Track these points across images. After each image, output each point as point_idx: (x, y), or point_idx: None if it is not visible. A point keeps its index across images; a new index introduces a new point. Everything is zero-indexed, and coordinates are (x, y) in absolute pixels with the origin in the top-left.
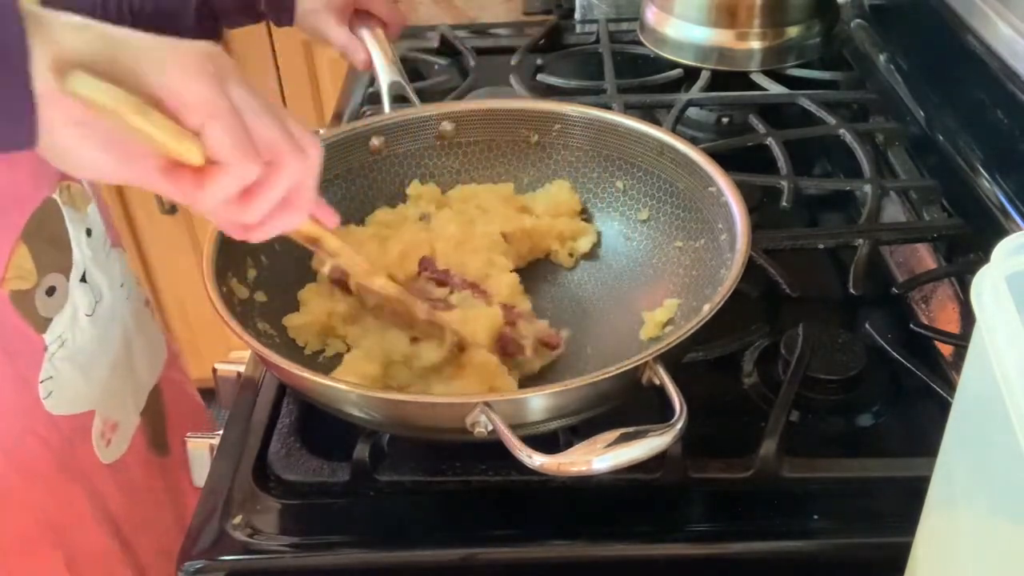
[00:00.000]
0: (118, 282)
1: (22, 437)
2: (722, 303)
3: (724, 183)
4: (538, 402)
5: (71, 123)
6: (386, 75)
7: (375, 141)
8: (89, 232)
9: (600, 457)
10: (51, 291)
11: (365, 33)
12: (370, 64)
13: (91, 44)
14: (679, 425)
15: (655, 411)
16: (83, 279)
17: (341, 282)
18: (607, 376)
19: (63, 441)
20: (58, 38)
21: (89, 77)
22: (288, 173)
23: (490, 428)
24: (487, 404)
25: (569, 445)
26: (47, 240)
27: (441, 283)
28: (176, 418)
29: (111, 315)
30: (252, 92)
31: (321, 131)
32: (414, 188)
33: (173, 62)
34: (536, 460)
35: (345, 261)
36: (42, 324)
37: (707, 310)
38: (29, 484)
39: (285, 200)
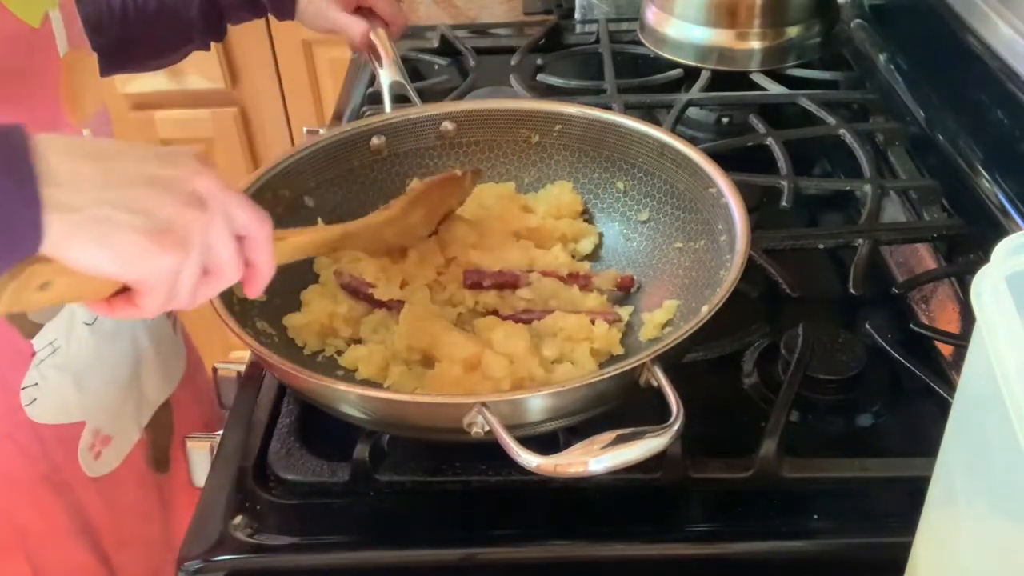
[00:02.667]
0: None
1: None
2: (720, 305)
3: (724, 184)
4: (535, 403)
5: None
6: (387, 75)
7: (376, 141)
8: None
9: (597, 458)
10: None
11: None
12: (367, 42)
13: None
14: (676, 426)
15: (656, 411)
16: None
17: (351, 288)
18: (604, 377)
19: (44, 450)
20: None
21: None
22: (225, 274)
23: (487, 429)
24: (484, 404)
25: (568, 446)
26: None
27: (506, 286)
28: (184, 433)
29: (117, 327)
30: (231, 205)
31: (321, 131)
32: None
33: (144, 254)
34: (533, 461)
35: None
36: (31, 329)
37: (705, 311)
38: (5, 490)
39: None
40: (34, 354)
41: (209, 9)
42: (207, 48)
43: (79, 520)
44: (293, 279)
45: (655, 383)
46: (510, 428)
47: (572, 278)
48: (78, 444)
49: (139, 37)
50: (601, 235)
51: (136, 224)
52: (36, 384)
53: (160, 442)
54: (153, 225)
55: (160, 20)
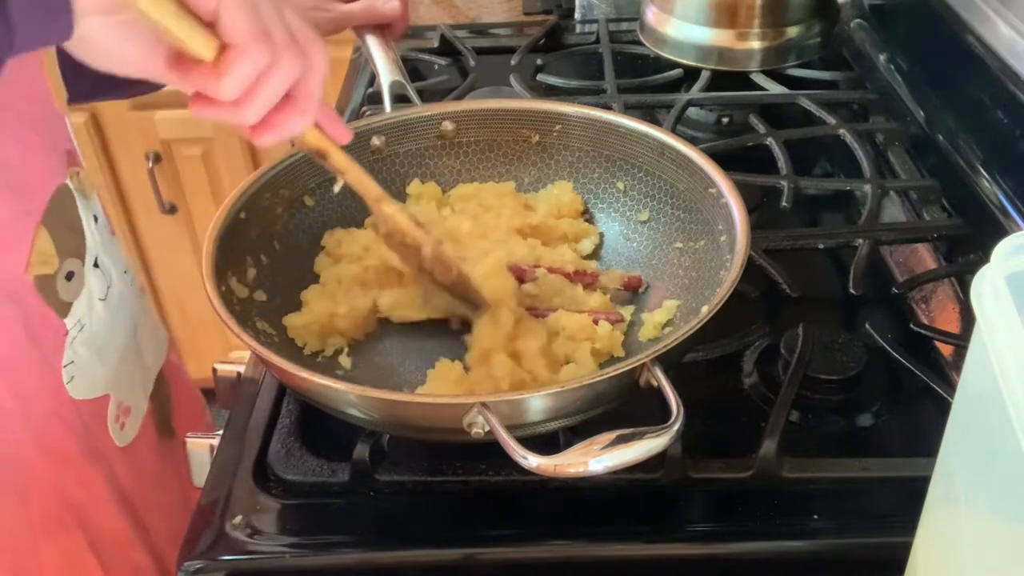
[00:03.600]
0: (121, 268)
1: (48, 420)
2: (720, 305)
3: (724, 184)
4: (535, 403)
5: (99, 11)
6: (387, 74)
7: (376, 141)
8: (96, 218)
9: (597, 458)
10: (70, 276)
11: (367, 32)
12: (388, 15)
13: None
14: (676, 427)
15: (657, 411)
16: (96, 264)
17: (393, 239)
18: (604, 377)
19: (83, 424)
20: None
21: None
22: (288, 67)
23: (487, 429)
24: (484, 405)
25: (569, 446)
26: (64, 225)
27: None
28: (180, 404)
29: (120, 300)
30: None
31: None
32: (414, 187)
33: None
34: (532, 461)
35: (353, 179)
36: (63, 308)
37: (705, 312)
38: (54, 466)
39: (289, 99)
40: (67, 333)
41: None
42: None
43: (116, 489)
44: (293, 279)
45: (655, 383)
46: (510, 428)
47: (578, 276)
48: (107, 416)
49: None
50: (601, 235)
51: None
52: (72, 362)
53: (163, 410)
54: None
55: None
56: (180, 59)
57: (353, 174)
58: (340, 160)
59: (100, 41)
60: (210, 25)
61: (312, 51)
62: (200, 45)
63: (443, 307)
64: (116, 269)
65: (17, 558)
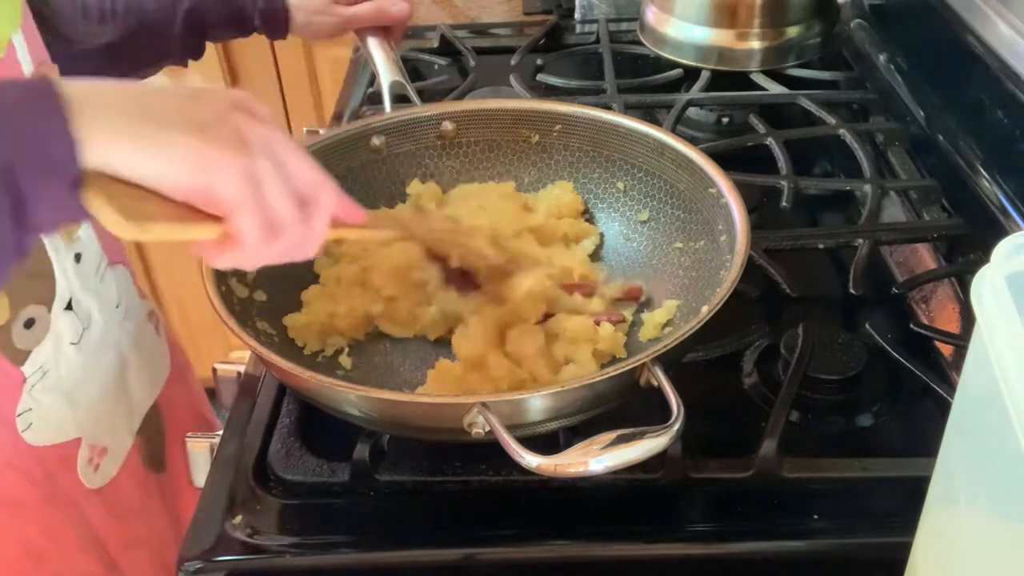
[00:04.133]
0: (113, 303)
1: (1, 471)
2: (720, 305)
3: (724, 184)
4: (535, 403)
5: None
6: (387, 75)
7: (376, 141)
8: (78, 257)
9: (597, 458)
10: (30, 323)
11: (367, 33)
12: (393, 17)
13: (121, 140)
14: (676, 427)
15: (657, 411)
16: (68, 307)
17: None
18: (604, 377)
19: (45, 471)
20: (95, 130)
21: (101, 202)
22: (290, 242)
23: (487, 429)
24: (484, 404)
25: (570, 446)
26: (25, 274)
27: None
28: (177, 432)
29: (102, 340)
30: (276, 143)
31: (321, 131)
32: (414, 187)
33: (200, 155)
34: (532, 461)
35: (371, 242)
36: (19, 357)
37: (705, 312)
38: (11, 514)
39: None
40: (24, 380)
41: (192, 27)
42: (184, 65)
43: (85, 532)
44: (293, 279)
45: (655, 383)
46: (511, 428)
47: (575, 287)
48: (76, 460)
49: (115, 52)
50: (602, 235)
51: (183, 125)
52: (30, 409)
53: (153, 444)
54: (201, 125)
55: (139, 36)
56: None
57: (371, 237)
58: (356, 237)
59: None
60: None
61: (314, 220)
62: (205, 235)
63: (430, 324)
64: (100, 307)
65: None
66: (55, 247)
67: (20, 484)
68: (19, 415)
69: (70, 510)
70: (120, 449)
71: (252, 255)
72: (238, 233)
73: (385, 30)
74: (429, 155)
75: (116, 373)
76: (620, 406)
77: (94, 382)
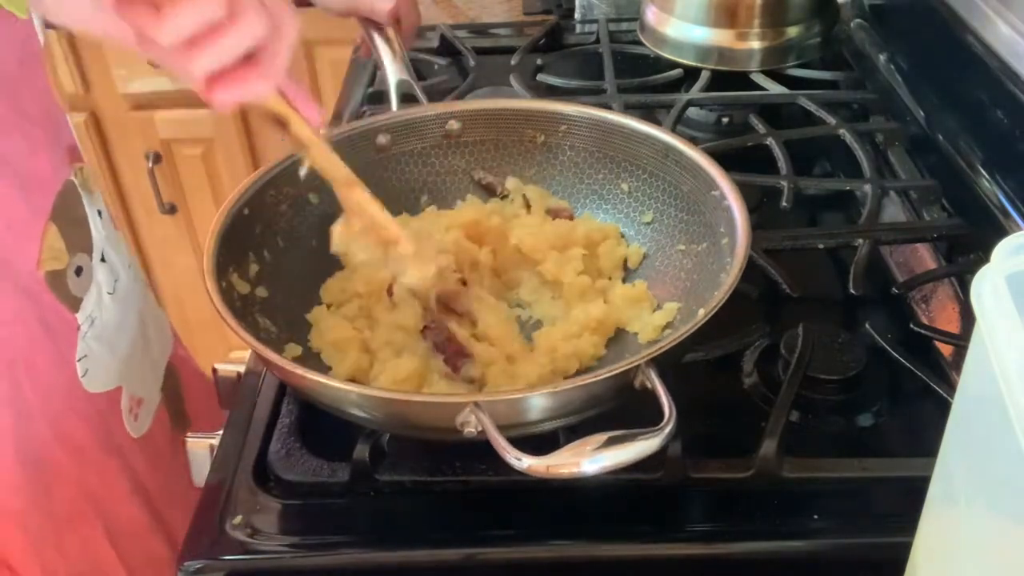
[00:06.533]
0: (126, 262)
1: (65, 414)
2: (717, 309)
3: (727, 187)
4: (528, 403)
5: None
6: (394, 73)
7: (382, 139)
8: (100, 213)
9: (589, 460)
10: (79, 271)
11: (374, 30)
12: (395, 16)
13: None
14: (667, 429)
15: (658, 411)
16: (103, 259)
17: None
18: (598, 379)
19: (100, 417)
20: None
21: None
22: (250, 26)
23: (480, 429)
24: (476, 404)
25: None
26: (71, 221)
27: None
28: (192, 393)
29: (127, 294)
30: None
31: (321, 131)
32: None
33: None
34: (524, 462)
35: (318, 156)
36: (75, 303)
37: (701, 315)
38: (73, 459)
39: (251, 60)
40: (79, 328)
41: None
42: None
43: (133, 480)
44: (296, 276)
45: (649, 386)
46: (506, 428)
47: (556, 212)
48: (120, 408)
49: None
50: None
51: None
52: (86, 356)
53: (176, 402)
54: None
55: None
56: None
57: (318, 150)
58: (302, 131)
59: None
60: None
61: (282, 17)
62: None
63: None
64: (122, 263)
65: (41, 550)
66: (87, 200)
67: (82, 428)
68: (78, 360)
69: (121, 457)
70: (151, 401)
71: (193, 14)
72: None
73: (394, 25)
74: (435, 154)
75: (139, 327)
76: (621, 405)
77: (126, 333)
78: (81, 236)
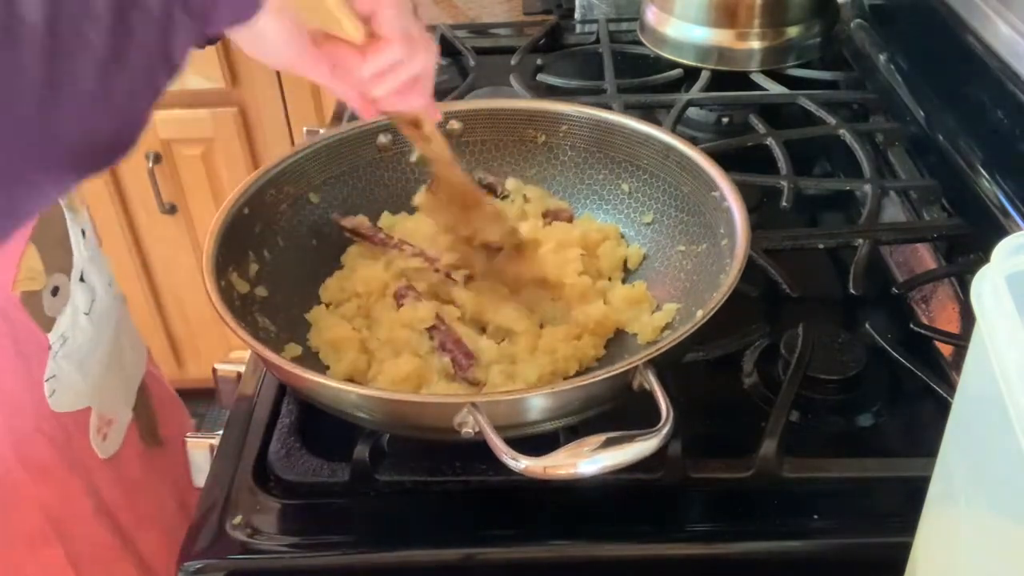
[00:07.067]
0: (107, 280)
1: (31, 435)
2: (715, 311)
3: (727, 188)
4: (527, 404)
5: (274, 10)
6: None
7: (383, 139)
8: (84, 233)
9: (586, 460)
10: (55, 291)
11: None
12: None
13: None
14: (665, 430)
15: (657, 411)
16: (81, 279)
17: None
18: (596, 380)
19: (66, 437)
20: None
21: None
22: (421, 60)
23: (477, 429)
24: (474, 405)
25: None
26: (52, 242)
27: None
28: (162, 411)
29: (104, 313)
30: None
31: (321, 131)
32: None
33: None
34: (521, 463)
35: (436, 147)
36: (48, 323)
37: (700, 316)
38: (35, 480)
39: (412, 83)
40: (49, 347)
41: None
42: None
43: (98, 502)
44: (296, 275)
45: (647, 386)
46: (505, 428)
47: (553, 214)
48: (88, 428)
49: None
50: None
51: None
52: (55, 376)
53: (148, 420)
54: None
55: None
56: (326, 38)
57: (437, 141)
58: (429, 128)
59: (267, 37)
60: (363, 18)
61: (430, 47)
62: (352, 29)
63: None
64: (101, 282)
65: None
66: (70, 219)
67: (46, 449)
68: (46, 380)
69: (85, 479)
70: (122, 421)
71: (393, 55)
72: (383, 27)
73: None
74: None
75: (114, 347)
76: (622, 405)
77: (100, 353)
78: (61, 257)
